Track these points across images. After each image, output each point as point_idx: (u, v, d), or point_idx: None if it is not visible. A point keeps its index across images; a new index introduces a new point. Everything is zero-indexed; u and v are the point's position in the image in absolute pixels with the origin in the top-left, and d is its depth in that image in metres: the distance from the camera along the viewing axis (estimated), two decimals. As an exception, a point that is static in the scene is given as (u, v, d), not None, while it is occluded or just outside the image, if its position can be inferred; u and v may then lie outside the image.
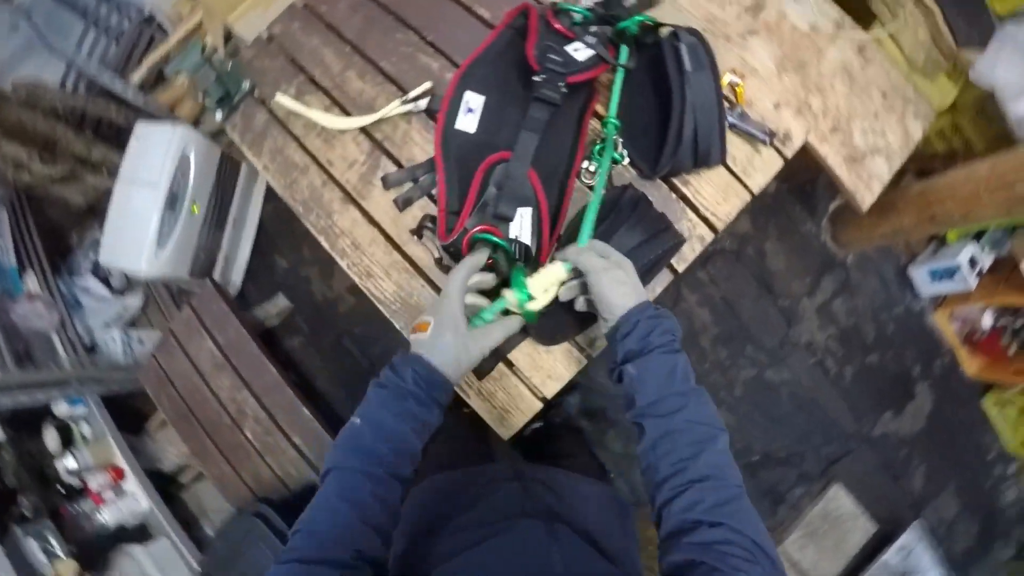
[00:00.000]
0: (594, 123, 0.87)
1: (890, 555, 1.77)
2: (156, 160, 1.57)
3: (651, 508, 0.57)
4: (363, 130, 0.89)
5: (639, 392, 0.60)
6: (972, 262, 1.71)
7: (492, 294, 0.71)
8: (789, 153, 0.89)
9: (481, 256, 0.70)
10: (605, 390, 1.88)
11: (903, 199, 1.56)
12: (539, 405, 0.81)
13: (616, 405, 1.89)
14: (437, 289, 0.85)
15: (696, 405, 0.59)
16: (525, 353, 0.82)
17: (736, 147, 0.86)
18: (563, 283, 0.68)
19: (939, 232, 1.81)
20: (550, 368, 0.81)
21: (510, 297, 0.67)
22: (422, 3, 0.96)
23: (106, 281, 1.99)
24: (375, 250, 0.87)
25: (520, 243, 0.75)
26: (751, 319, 1.91)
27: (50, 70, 1.76)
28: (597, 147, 0.83)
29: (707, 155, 0.79)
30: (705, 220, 0.85)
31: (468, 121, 0.81)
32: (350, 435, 0.61)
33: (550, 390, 0.81)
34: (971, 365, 1.93)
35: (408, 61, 0.90)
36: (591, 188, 0.86)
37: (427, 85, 0.86)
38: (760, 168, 0.87)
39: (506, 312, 0.69)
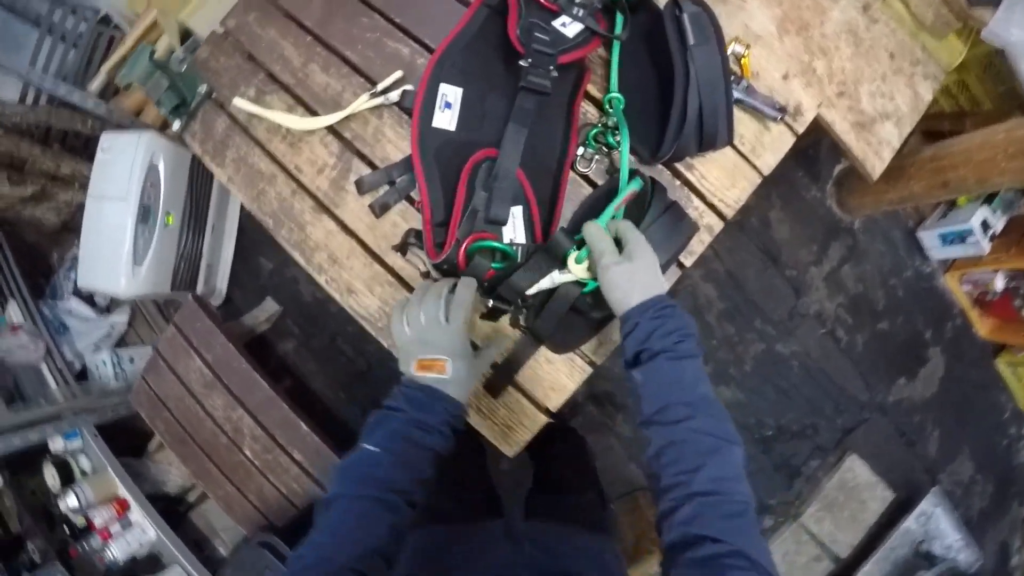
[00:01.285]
0: (587, 106, 0.79)
1: (910, 522, 1.75)
2: (123, 172, 1.49)
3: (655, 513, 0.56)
4: (331, 130, 0.81)
5: (644, 400, 0.58)
6: (984, 225, 1.65)
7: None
8: (800, 128, 0.81)
9: (471, 288, 0.65)
10: (610, 374, 1.83)
11: (914, 165, 1.49)
12: (544, 419, 0.75)
13: (623, 389, 1.84)
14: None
15: (704, 416, 0.56)
16: (525, 365, 0.75)
17: (743, 124, 0.79)
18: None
19: (950, 198, 1.74)
20: (553, 380, 0.75)
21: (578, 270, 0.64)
22: (388, -18, 0.86)
23: (90, 300, 1.94)
24: (354, 263, 0.79)
25: (519, 244, 0.69)
26: (758, 292, 1.84)
27: (8, 85, 1.66)
28: (593, 131, 0.75)
29: (713, 137, 0.71)
30: (713, 207, 0.77)
31: (446, 118, 0.73)
32: (365, 462, 0.59)
33: (555, 402, 0.75)
34: (983, 327, 1.89)
35: (375, 48, 0.81)
36: (584, 177, 0.78)
37: (397, 74, 0.77)
38: (770, 146, 0.80)
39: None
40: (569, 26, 0.71)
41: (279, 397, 1.40)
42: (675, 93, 0.67)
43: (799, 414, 1.86)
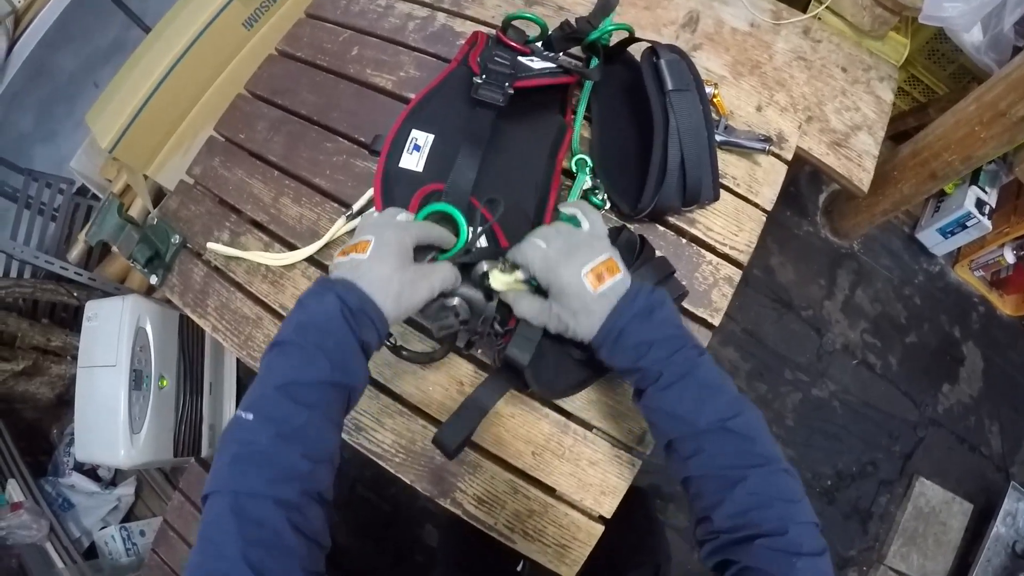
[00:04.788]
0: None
1: (997, 527, 1.63)
2: (111, 338, 1.45)
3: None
4: (312, 261, 0.77)
5: (651, 429, 0.55)
6: (979, 204, 1.65)
7: None
8: (788, 155, 0.79)
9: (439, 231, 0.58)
10: (650, 466, 1.71)
11: (897, 168, 1.49)
12: (600, 528, 0.66)
13: (670, 479, 1.71)
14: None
15: (715, 445, 0.51)
16: (566, 475, 0.67)
17: (732, 166, 0.76)
18: None
19: (940, 188, 1.75)
20: (600, 483, 0.66)
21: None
22: (345, 104, 0.86)
23: (93, 474, 1.83)
24: (358, 396, 0.72)
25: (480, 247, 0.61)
26: (780, 342, 1.78)
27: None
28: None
29: (697, 189, 0.67)
30: (726, 257, 0.73)
31: (413, 160, 0.67)
32: (241, 438, 0.42)
33: (608, 507, 0.66)
34: (1007, 306, 1.86)
35: (343, 171, 0.80)
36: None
37: (370, 193, 0.75)
38: (764, 180, 0.77)
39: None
40: (536, 62, 0.69)
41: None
42: (655, 140, 0.64)
43: (854, 454, 1.75)
